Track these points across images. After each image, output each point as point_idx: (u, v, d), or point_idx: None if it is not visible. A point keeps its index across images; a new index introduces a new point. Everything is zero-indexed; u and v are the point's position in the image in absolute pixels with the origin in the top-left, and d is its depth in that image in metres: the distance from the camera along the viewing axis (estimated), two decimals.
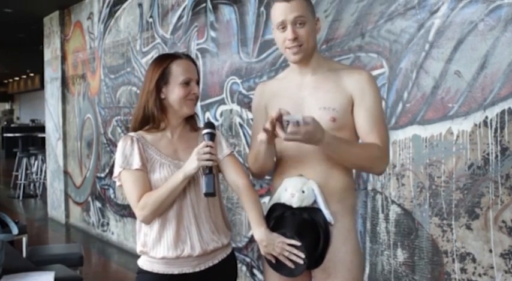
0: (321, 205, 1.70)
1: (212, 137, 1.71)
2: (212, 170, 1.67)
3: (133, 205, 1.73)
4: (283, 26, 1.72)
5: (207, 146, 1.67)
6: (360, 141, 1.77)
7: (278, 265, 1.69)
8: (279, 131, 1.57)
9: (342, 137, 1.70)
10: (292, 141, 1.59)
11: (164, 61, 1.79)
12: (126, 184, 1.75)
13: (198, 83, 1.82)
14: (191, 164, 1.67)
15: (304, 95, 1.77)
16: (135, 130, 1.82)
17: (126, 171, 1.74)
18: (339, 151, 1.66)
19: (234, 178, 1.80)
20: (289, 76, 1.84)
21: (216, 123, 2.67)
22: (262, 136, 1.65)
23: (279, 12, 1.71)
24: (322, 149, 1.64)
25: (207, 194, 1.66)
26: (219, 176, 1.86)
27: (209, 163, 1.65)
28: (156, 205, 1.69)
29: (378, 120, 1.73)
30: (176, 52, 1.89)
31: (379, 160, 1.73)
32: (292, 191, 1.71)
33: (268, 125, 1.60)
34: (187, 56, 1.84)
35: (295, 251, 1.63)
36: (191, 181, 1.75)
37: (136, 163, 1.73)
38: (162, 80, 1.77)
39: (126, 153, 1.75)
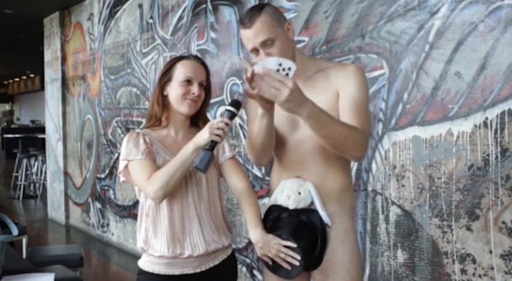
0: (318, 207, 1.69)
1: (232, 116, 1.66)
2: (214, 149, 1.64)
3: (144, 185, 1.70)
4: (255, 52, 1.70)
5: (223, 122, 1.63)
6: None
7: (275, 267, 1.69)
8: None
9: None
10: (273, 97, 1.47)
11: (172, 61, 1.84)
12: (134, 171, 1.74)
13: (205, 86, 1.82)
14: (202, 135, 1.64)
15: None
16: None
17: (132, 162, 1.74)
18: (323, 122, 1.55)
19: (234, 181, 1.81)
20: None
21: None
22: (260, 108, 1.58)
23: (247, 39, 1.69)
24: (306, 116, 1.51)
25: (196, 168, 1.63)
26: (219, 170, 1.86)
27: (217, 139, 1.62)
28: (167, 178, 1.65)
29: (360, 108, 1.68)
30: (190, 54, 1.91)
31: (359, 142, 1.64)
32: (288, 192, 1.70)
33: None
34: (195, 58, 1.86)
35: (291, 253, 1.62)
36: (193, 180, 1.76)
37: (142, 152, 1.73)
38: (166, 78, 1.81)
39: (132, 145, 1.75)
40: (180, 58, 1.84)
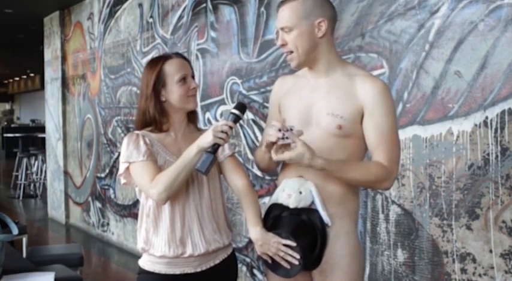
0: (318, 206, 1.69)
1: (237, 119, 1.68)
2: (216, 152, 1.66)
3: (147, 187, 1.70)
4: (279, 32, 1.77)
5: (227, 125, 1.65)
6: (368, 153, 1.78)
7: (274, 265, 1.69)
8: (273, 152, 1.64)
9: (348, 145, 1.71)
10: (282, 160, 1.65)
11: (156, 64, 1.80)
12: (136, 174, 1.74)
13: (193, 77, 1.84)
14: (206, 137, 1.64)
15: (315, 97, 1.75)
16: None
17: (133, 164, 1.73)
18: (338, 174, 1.68)
19: (234, 178, 1.81)
20: (307, 75, 1.82)
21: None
22: (264, 146, 1.68)
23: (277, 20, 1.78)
24: (320, 168, 1.65)
25: (198, 170, 1.64)
26: (220, 172, 1.86)
27: (221, 142, 1.64)
28: (170, 180, 1.65)
29: (387, 136, 1.70)
30: (165, 53, 1.90)
31: (383, 180, 1.71)
32: (289, 191, 1.71)
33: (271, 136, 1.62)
34: (177, 54, 1.85)
35: (290, 251, 1.63)
36: (194, 180, 1.76)
37: (143, 153, 1.73)
38: (159, 83, 1.77)
39: (132, 147, 1.74)
40: (164, 60, 1.80)
